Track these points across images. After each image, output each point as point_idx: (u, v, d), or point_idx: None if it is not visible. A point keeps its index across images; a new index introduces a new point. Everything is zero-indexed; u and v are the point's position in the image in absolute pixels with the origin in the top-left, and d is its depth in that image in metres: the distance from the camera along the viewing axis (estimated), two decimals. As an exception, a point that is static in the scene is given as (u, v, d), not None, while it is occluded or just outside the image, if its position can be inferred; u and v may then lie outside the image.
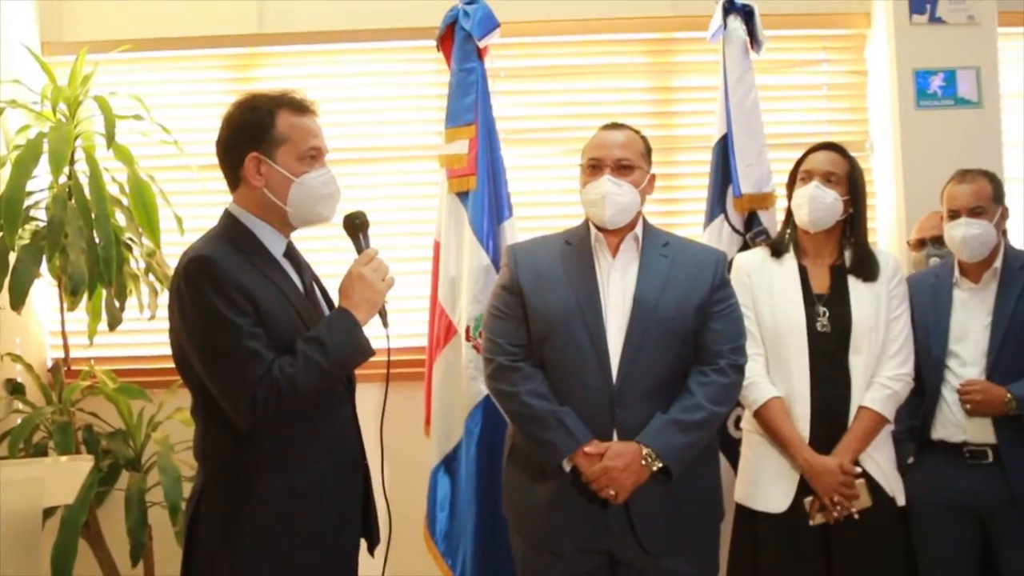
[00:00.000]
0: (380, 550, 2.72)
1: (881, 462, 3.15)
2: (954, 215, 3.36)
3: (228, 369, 2.33)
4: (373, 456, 2.69)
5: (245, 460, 2.42)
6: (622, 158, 2.96)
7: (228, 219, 2.53)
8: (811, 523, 3.09)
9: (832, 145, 3.31)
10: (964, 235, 3.31)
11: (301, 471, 2.44)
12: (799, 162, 3.31)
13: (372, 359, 2.61)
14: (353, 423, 2.64)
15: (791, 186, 3.31)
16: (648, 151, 3.05)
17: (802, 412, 3.13)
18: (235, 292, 2.34)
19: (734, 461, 3.46)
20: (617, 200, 2.92)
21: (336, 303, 2.64)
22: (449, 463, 3.95)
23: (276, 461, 2.42)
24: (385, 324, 2.60)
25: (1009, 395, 3.20)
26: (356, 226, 2.64)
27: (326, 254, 3.95)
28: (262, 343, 2.34)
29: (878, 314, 3.17)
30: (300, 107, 2.52)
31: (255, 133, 2.48)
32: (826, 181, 3.20)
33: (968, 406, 3.26)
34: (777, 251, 3.31)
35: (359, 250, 2.63)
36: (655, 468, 2.79)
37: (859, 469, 3.07)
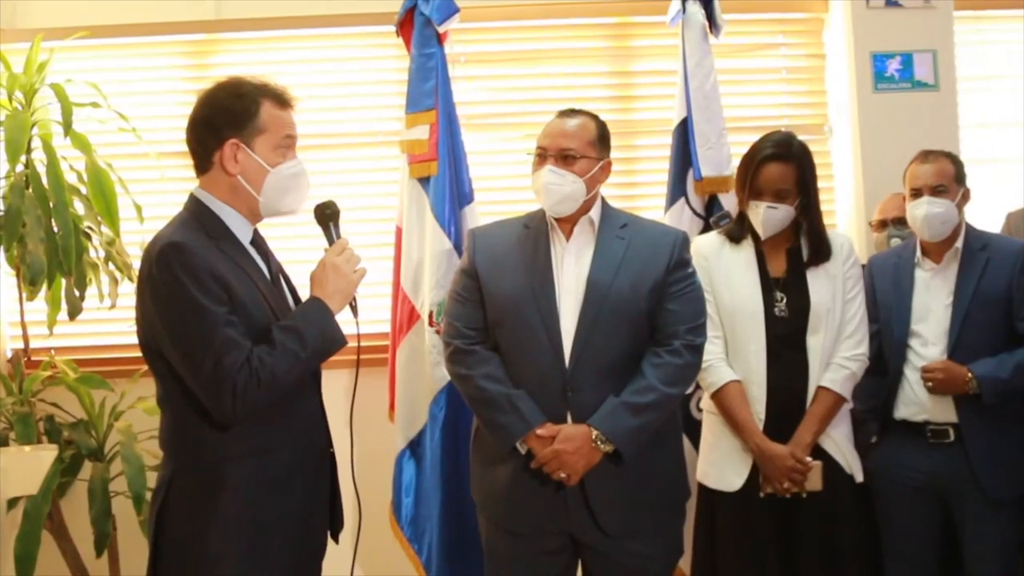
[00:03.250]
0: (349, 536, 2.72)
1: (838, 439, 3.19)
2: (916, 194, 3.39)
3: (206, 359, 2.29)
4: (339, 443, 2.69)
5: (215, 450, 2.40)
6: (565, 148, 2.94)
7: (195, 204, 2.50)
8: (761, 494, 3.13)
9: (778, 154, 3.22)
10: (926, 213, 3.34)
11: (271, 460, 2.43)
12: (751, 170, 3.23)
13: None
14: (320, 412, 2.64)
15: (743, 178, 3.27)
16: (603, 138, 3.03)
17: (759, 394, 3.17)
18: (209, 279, 2.32)
19: (696, 442, 3.48)
20: (557, 191, 2.92)
21: (299, 292, 2.63)
22: (414, 448, 3.96)
23: (246, 450, 2.41)
24: (355, 314, 2.60)
25: (970, 374, 3.24)
26: (327, 216, 2.63)
27: (288, 241, 3.93)
28: (239, 331, 2.33)
29: (835, 296, 3.20)
30: (282, 100, 2.52)
31: (238, 119, 2.46)
32: (777, 199, 3.20)
33: (930, 384, 3.30)
34: (734, 237, 3.33)
35: (330, 240, 2.62)
36: (605, 451, 2.80)
37: (812, 462, 3.10)
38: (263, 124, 2.46)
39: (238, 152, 2.45)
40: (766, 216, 3.20)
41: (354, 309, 2.59)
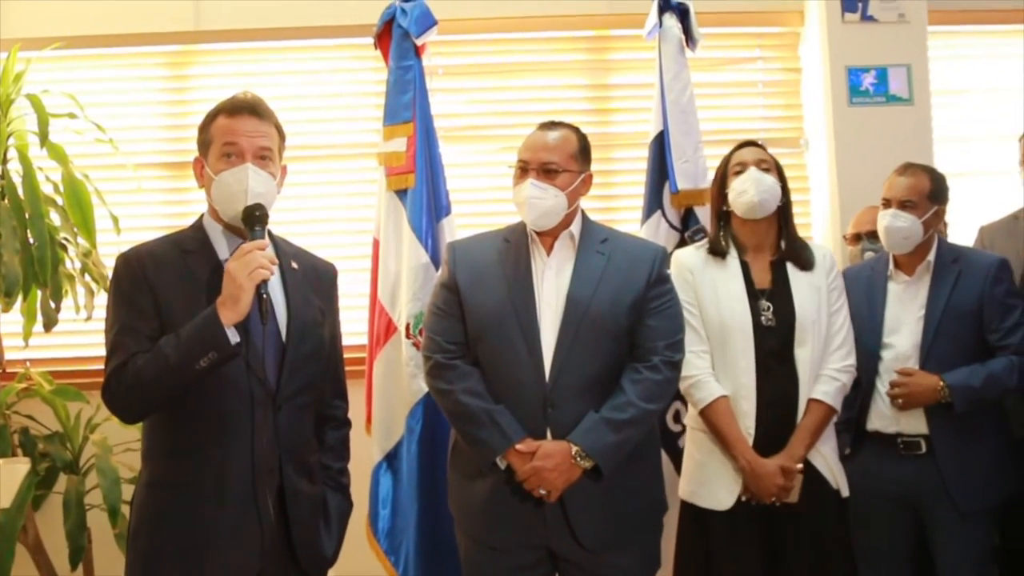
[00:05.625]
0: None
1: (826, 454, 3.18)
2: (886, 204, 3.41)
3: (106, 359, 2.47)
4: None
5: (144, 447, 2.58)
6: (548, 161, 2.93)
7: (196, 221, 2.64)
8: (742, 498, 3.12)
9: (753, 142, 3.35)
10: (888, 226, 3.37)
11: (189, 464, 2.49)
12: (727, 160, 3.33)
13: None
14: (272, 432, 2.54)
15: (720, 187, 3.33)
16: (584, 150, 3.03)
17: (748, 408, 3.15)
18: (135, 288, 2.47)
19: (673, 455, 3.48)
20: (539, 204, 2.91)
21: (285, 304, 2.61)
22: (391, 461, 3.94)
23: (163, 449, 2.54)
24: (263, 320, 2.45)
25: (942, 383, 3.24)
26: (255, 218, 2.51)
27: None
28: (135, 337, 2.43)
29: (819, 307, 3.20)
30: (231, 109, 2.56)
31: (199, 137, 2.59)
32: (761, 169, 3.23)
33: (899, 401, 3.31)
34: (717, 251, 3.32)
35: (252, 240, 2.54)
36: (585, 467, 2.79)
37: (799, 466, 3.10)
38: (212, 136, 2.55)
39: (202, 168, 2.58)
40: (757, 178, 3.21)
41: (262, 314, 2.44)
